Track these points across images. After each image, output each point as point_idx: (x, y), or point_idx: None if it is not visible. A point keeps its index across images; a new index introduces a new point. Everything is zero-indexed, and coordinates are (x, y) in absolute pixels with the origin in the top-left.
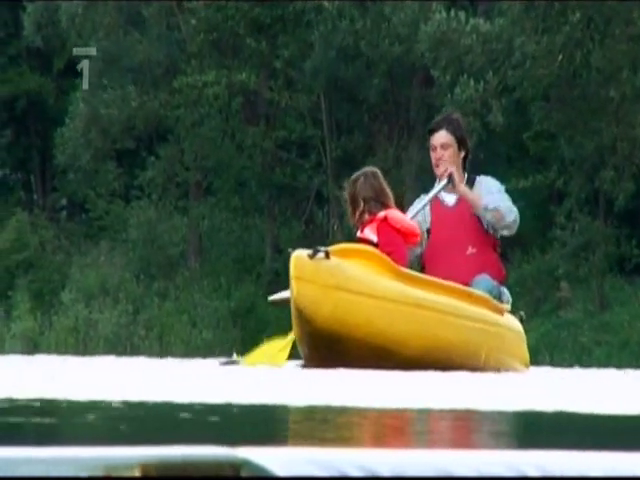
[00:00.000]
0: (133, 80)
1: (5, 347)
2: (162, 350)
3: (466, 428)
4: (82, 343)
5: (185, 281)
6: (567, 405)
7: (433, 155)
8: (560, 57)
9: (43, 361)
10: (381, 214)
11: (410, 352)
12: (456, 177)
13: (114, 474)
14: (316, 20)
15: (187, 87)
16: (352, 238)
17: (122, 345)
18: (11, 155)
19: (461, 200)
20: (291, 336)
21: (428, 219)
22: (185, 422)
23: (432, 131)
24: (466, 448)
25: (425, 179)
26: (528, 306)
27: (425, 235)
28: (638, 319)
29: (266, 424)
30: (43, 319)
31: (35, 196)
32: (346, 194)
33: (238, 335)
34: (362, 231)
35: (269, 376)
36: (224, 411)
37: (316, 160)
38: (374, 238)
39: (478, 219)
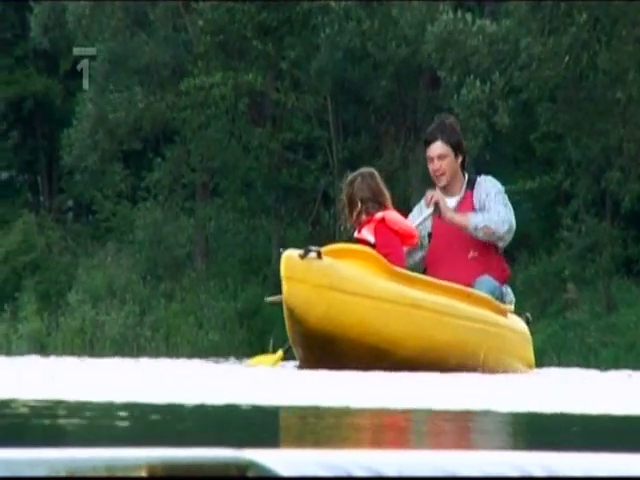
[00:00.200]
0: (140, 81)
1: (12, 348)
2: (169, 351)
3: (465, 428)
4: (89, 344)
5: (192, 282)
6: (568, 406)
7: (430, 166)
8: (567, 58)
9: (49, 362)
10: (379, 215)
11: (406, 352)
12: (441, 205)
13: (122, 475)
14: (323, 21)
15: (194, 88)
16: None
17: (129, 346)
18: (18, 157)
19: (462, 204)
20: (279, 353)
21: (429, 223)
22: (186, 423)
23: (427, 142)
24: (466, 448)
25: (432, 181)
26: (535, 307)
27: (427, 240)
28: None
29: (262, 426)
30: (50, 320)
31: (42, 197)
32: (343, 195)
33: (245, 336)
34: (359, 231)
35: (263, 377)
36: (222, 412)
37: (323, 161)
38: (371, 239)
39: None
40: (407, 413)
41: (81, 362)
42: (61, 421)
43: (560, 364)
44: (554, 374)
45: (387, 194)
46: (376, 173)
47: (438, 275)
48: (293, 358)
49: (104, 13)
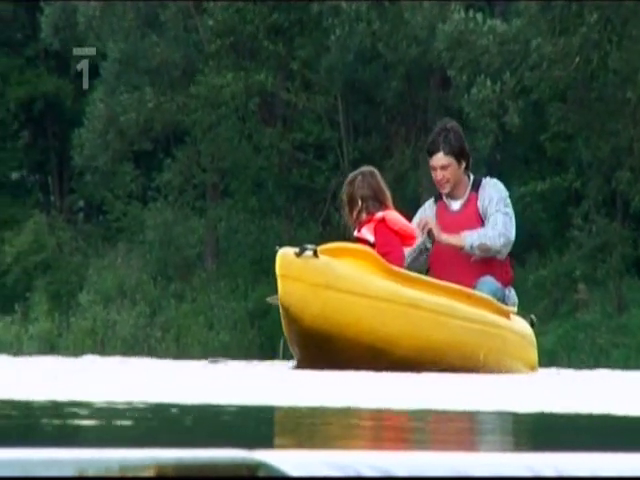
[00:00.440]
0: (150, 82)
1: (23, 348)
2: (179, 352)
3: (465, 428)
4: (100, 345)
5: (202, 283)
6: (570, 406)
7: (434, 175)
8: (577, 59)
9: (59, 362)
10: (379, 215)
11: (403, 352)
12: (435, 232)
13: (132, 475)
14: (333, 22)
15: (204, 89)
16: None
17: (139, 347)
18: (28, 157)
19: (466, 205)
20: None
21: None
22: (187, 424)
23: (429, 152)
24: (464, 449)
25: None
26: (546, 308)
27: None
28: None
29: (260, 426)
30: (61, 320)
31: (52, 198)
32: (343, 193)
33: (255, 336)
34: (359, 230)
35: (260, 377)
36: (218, 412)
37: (333, 161)
38: (371, 238)
39: (483, 224)
40: (414, 414)
41: (92, 361)
42: (73, 421)
43: (571, 365)
44: (555, 375)
45: (388, 193)
46: (377, 172)
47: (441, 277)
48: (293, 358)
49: (115, 14)
